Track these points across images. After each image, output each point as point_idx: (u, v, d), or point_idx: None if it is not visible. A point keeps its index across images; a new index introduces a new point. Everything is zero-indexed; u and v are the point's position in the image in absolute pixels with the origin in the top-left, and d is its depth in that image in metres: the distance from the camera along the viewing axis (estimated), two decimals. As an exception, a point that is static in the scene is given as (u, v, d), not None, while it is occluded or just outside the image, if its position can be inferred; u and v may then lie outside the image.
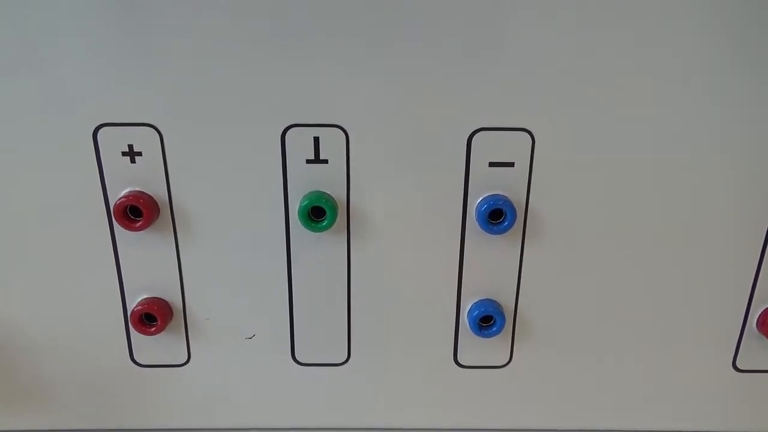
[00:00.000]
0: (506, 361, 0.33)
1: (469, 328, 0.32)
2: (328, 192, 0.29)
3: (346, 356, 0.33)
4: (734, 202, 0.30)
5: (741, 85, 0.27)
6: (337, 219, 0.29)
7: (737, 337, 0.33)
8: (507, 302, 0.32)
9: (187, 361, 0.33)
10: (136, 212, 0.29)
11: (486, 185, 0.29)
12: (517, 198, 0.29)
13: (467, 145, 0.28)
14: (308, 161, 0.29)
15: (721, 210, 0.30)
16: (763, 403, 0.34)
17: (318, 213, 0.29)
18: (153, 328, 0.31)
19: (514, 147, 0.28)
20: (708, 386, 0.34)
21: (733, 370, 0.33)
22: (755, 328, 0.32)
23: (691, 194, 0.29)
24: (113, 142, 0.28)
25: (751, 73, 0.27)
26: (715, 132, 0.28)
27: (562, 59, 0.27)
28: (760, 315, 0.32)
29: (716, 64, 0.27)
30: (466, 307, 0.32)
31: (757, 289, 0.31)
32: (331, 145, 0.28)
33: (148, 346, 0.33)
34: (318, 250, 0.30)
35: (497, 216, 0.29)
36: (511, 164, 0.29)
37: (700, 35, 0.26)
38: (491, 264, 0.31)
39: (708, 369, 0.33)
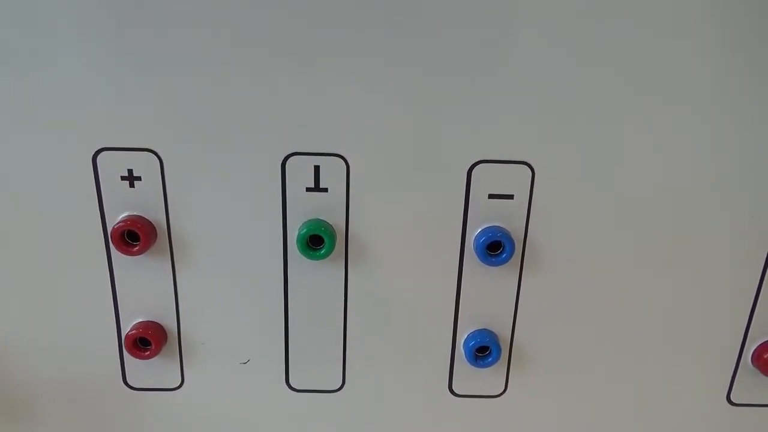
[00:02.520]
0: (501, 391, 0.33)
1: (464, 358, 0.32)
2: (327, 220, 0.29)
3: (341, 383, 0.33)
4: (732, 236, 0.30)
5: (746, 117, 0.27)
6: (336, 247, 0.29)
7: (732, 371, 0.33)
8: (503, 333, 0.32)
9: (181, 385, 0.33)
10: (133, 237, 0.29)
11: (485, 217, 0.29)
12: (516, 230, 0.29)
13: (467, 176, 0.28)
14: (308, 189, 0.29)
15: (718, 243, 0.30)
16: (757, 437, 0.35)
17: (316, 241, 0.29)
18: (147, 352, 0.31)
19: (514, 179, 0.28)
20: (702, 420, 0.34)
21: (727, 403, 0.33)
22: (750, 363, 0.32)
23: (689, 228, 0.30)
24: (113, 166, 0.28)
25: (758, 104, 0.27)
26: (714, 166, 0.28)
27: (562, 93, 0.27)
28: (755, 349, 0.32)
29: (719, 96, 0.27)
30: (463, 336, 0.32)
31: (753, 323, 0.32)
32: (332, 173, 0.28)
33: (142, 370, 0.32)
34: (315, 277, 0.30)
35: (495, 248, 0.29)
36: (511, 196, 0.29)
37: (701, 67, 0.26)
38: (488, 295, 0.31)
39: (702, 402, 0.33)
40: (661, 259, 0.30)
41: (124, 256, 0.29)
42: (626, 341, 0.32)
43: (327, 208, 0.29)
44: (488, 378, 0.33)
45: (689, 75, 0.27)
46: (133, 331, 0.31)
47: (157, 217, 0.29)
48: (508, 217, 0.29)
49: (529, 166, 0.28)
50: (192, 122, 0.27)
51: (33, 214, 0.29)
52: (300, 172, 0.28)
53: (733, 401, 0.33)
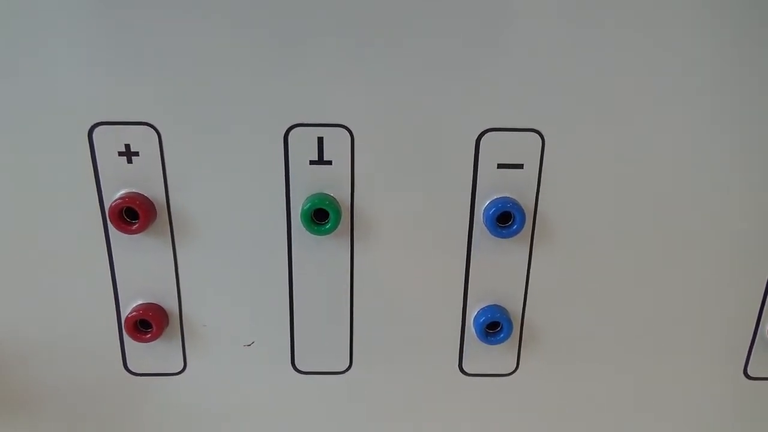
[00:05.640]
0: (513, 369, 0.32)
1: (475, 335, 0.31)
2: (332, 194, 0.28)
3: (348, 364, 0.32)
4: (746, 208, 0.29)
5: (753, 88, 0.27)
6: (341, 222, 0.28)
7: (748, 345, 0.32)
8: (514, 308, 0.31)
9: (183, 370, 0.32)
10: (132, 214, 0.28)
11: (494, 187, 0.28)
12: (526, 201, 0.29)
13: (475, 145, 0.28)
14: (312, 162, 0.28)
15: (732, 216, 0.29)
16: (774, 412, 0.34)
17: (321, 216, 0.28)
18: (148, 335, 0.30)
19: (524, 148, 0.28)
20: (719, 394, 0.33)
21: (744, 377, 0.33)
22: (767, 335, 0.32)
23: (703, 199, 0.29)
24: (109, 141, 0.27)
25: (763, 76, 0.27)
26: (728, 136, 0.28)
27: (572, 59, 0.26)
28: (771, 322, 0.31)
29: (729, 67, 0.26)
30: (473, 313, 0.31)
31: (768, 295, 0.31)
32: (336, 145, 0.27)
33: (143, 354, 0.32)
34: (320, 254, 0.29)
35: (505, 219, 0.28)
36: (521, 166, 0.28)
37: (712, 38, 0.26)
38: (499, 269, 0.30)
39: (719, 377, 0.33)
40: (675, 230, 0.29)
41: (123, 234, 0.28)
42: (641, 315, 0.31)
43: (331, 181, 0.28)
44: (499, 356, 0.32)
45: (707, 39, 0.26)
46: (133, 314, 0.30)
47: (156, 193, 0.28)
48: (518, 188, 0.28)
49: (539, 133, 0.27)
50: (191, 94, 0.27)
51: (27, 192, 0.28)
52: (303, 144, 0.27)
53: (750, 375, 0.33)
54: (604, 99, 0.27)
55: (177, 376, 0.32)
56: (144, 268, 0.30)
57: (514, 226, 0.28)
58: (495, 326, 0.31)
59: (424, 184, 0.28)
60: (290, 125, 0.27)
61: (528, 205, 0.29)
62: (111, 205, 0.28)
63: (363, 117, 0.27)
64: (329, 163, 0.28)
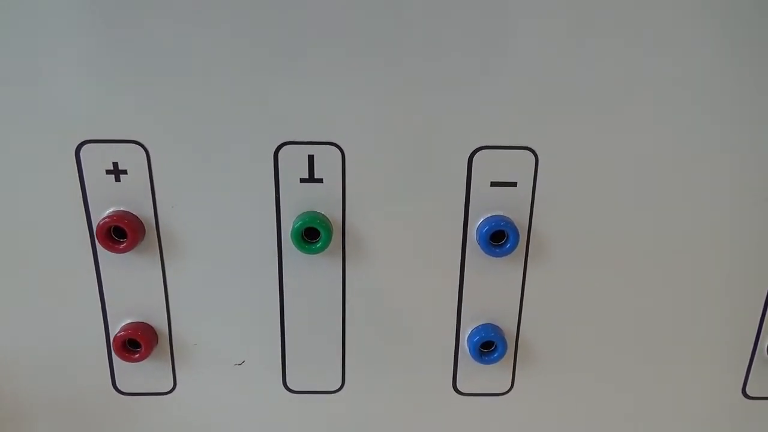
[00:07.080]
0: (507, 389, 0.32)
1: (469, 354, 0.30)
2: (323, 212, 0.28)
3: (341, 383, 0.32)
4: (744, 224, 0.29)
5: (749, 104, 0.27)
6: (332, 241, 0.28)
7: (747, 364, 0.32)
8: (509, 327, 0.30)
9: (173, 389, 0.32)
10: (120, 233, 0.28)
11: (487, 206, 0.28)
12: (520, 219, 0.28)
13: (468, 163, 0.27)
14: (302, 180, 0.27)
15: (730, 233, 0.29)
16: (773, 432, 0.33)
17: (312, 234, 0.28)
18: (137, 355, 0.30)
19: (517, 166, 0.27)
20: (717, 413, 0.33)
21: (742, 396, 0.32)
22: (765, 354, 0.31)
23: (699, 217, 0.28)
24: (97, 159, 0.27)
25: (758, 94, 0.26)
26: (724, 152, 0.27)
27: (565, 77, 0.26)
28: (770, 340, 0.31)
29: (722, 84, 0.26)
30: (467, 332, 0.30)
31: (767, 314, 0.30)
32: (327, 163, 0.27)
33: (132, 373, 0.31)
34: (312, 273, 0.29)
35: (499, 238, 0.28)
36: (514, 184, 0.28)
37: (705, 55, 0.26)
38: (492, 287, 0.30)
39: (717, 395, 0.32)
40: (672, 249, 0.29)
41: (111, 253, 0.28)
42: (637, 334, 0.31)
43: (322, 199, 0.28)
44: (494, 375, 0.32)
45: (700, 57, 0.26)
46: (122, 333, 0.29)
47: (144, 212, 0.28)
48: (511, 206, 0.28)
49: (533, 151, 0.27)
50: (179, 111, 0.26)
51: (13, 211, 0.28)
52: (293, 162, 0.27)
53: (749, 394, 0.32)
54: (598, 117, 0.27)
55: (167, 396, 0.32)
56: (133, 287, 0.29)
57: (508, 245, 0.28)
58: (489, 345, 0.30)
59: (417, 202, 0.28)
60: (280, 143, 0.27)
61: (522, 224, 0.28)
62: (99, 224, 0.27)
63: (354, 135, 0.27)
64: (320, 181, 0.28)
